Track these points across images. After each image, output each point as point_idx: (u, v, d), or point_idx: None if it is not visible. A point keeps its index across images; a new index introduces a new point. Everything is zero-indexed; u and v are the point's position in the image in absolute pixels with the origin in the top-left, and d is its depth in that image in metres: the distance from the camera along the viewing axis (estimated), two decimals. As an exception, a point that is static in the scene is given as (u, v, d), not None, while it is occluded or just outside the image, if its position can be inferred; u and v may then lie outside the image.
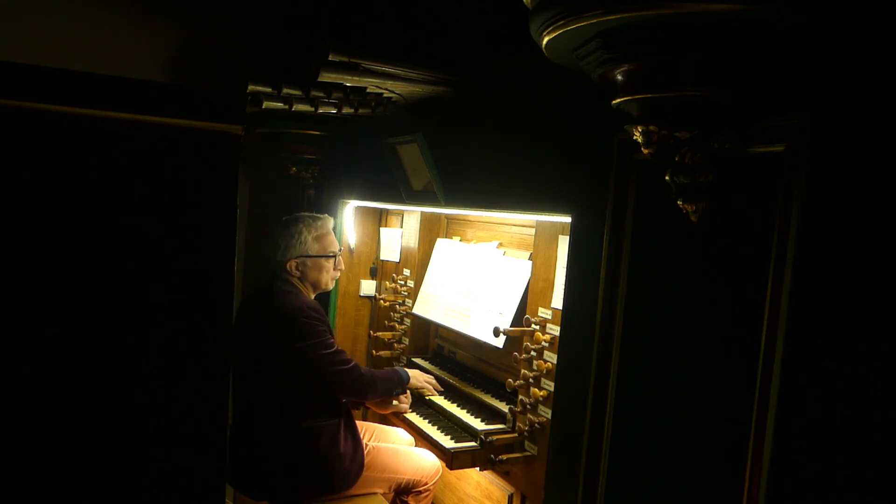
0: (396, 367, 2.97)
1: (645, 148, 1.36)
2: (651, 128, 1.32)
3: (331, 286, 2.88)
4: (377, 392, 2.75)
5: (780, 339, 1.33)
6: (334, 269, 2.84)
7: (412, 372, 2.94)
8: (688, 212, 1.41)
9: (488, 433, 2.50)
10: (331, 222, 2.86)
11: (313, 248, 2.75)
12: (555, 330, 2.42)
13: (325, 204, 3.65)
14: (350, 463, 2.65)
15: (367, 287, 3.72)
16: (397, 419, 2.90)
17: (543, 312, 2.49)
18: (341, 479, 2.64)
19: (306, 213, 2.84)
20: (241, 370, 2.73)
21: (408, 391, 2.87)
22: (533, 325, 2.52)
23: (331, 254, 2.80)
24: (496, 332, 2.57)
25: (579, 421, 1.83)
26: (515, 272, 2.73)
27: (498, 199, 2.38)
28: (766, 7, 1.10)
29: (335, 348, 2.64)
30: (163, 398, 1.59)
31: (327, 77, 2.18)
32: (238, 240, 1.65)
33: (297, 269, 2.74)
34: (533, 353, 2.48)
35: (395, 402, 2.84)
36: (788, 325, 1.32)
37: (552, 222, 2.46)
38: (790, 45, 1.22)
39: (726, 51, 1.19)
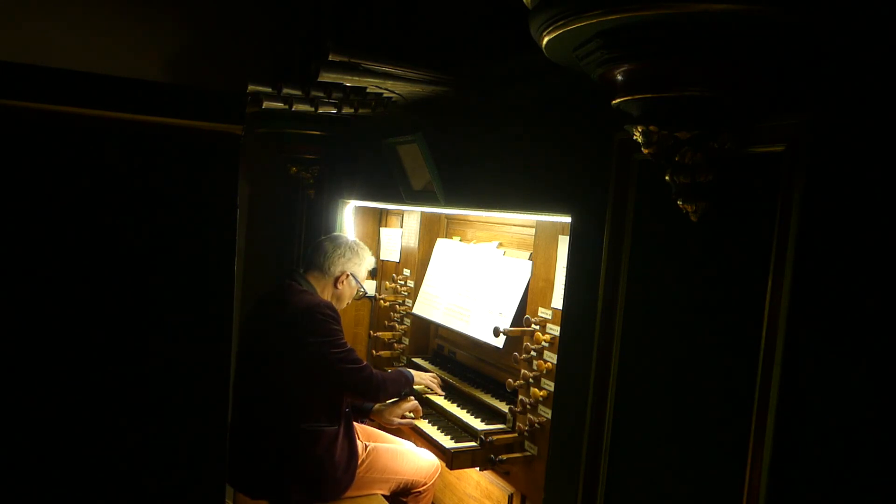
0: (400, 368, 2.99)
1: (645, 148, 1.36)
2: (651, 128, 1.32)
3: (343, 307, 3.02)
4: (388, 393, 2.79)
5: (780, 339, 1.33)
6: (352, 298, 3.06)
7: (415, 371, 2.97)
8: (688, 212, 1.41)
9: (488, 433, 2.50)
10: None
11: (361, 274, 3.00)
12: (555, 330, 2.42)
13: (325, 204, 3.65)
14: (343, 472, 2.66)
15: (368, 287, 3.72)
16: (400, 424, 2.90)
17: (543, 312, 2.49)
18: (332, 487, 2.65)
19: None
20: (247, 367, 2.76)
21: (416, 405, 2.90)
22: (533, 325, 2.51)
23: (361, 285, 3.06)
24: (496, 332, 2.57)
25: (579, 421, 1.83)
26: (515, 272, 2.73)
27: (498, 199, 2.38)
28: (766, 7, 1.10)
29: (347, 348, 2.66)
30: (163, 398, 1.59)
31: (327, 77, 2.18)
32: (238, 240, 1.64)
33: (341, 282, 2.93)
34: (533, 353, 2.48)
35: (403, 418, 2.86)
36: (788, 325, 1.32)
37: (552, 222, 2.46)
38: (790, 45, 1.22)
39: (726, 51, 1.19)
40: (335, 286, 2.90)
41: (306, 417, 2.61)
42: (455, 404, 2.84)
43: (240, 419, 2.73)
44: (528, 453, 2.48)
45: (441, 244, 3.29)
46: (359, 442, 2.78)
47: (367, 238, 3.72)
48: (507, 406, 2.59)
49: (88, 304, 1.51)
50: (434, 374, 3.04)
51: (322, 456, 2.60)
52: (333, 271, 2.88)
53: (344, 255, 2.90)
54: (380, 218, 3.79)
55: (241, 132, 1.59)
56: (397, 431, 3.03)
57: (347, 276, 2.92)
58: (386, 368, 3.24)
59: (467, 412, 2.74)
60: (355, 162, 3.49)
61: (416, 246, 3.41)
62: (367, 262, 3.01)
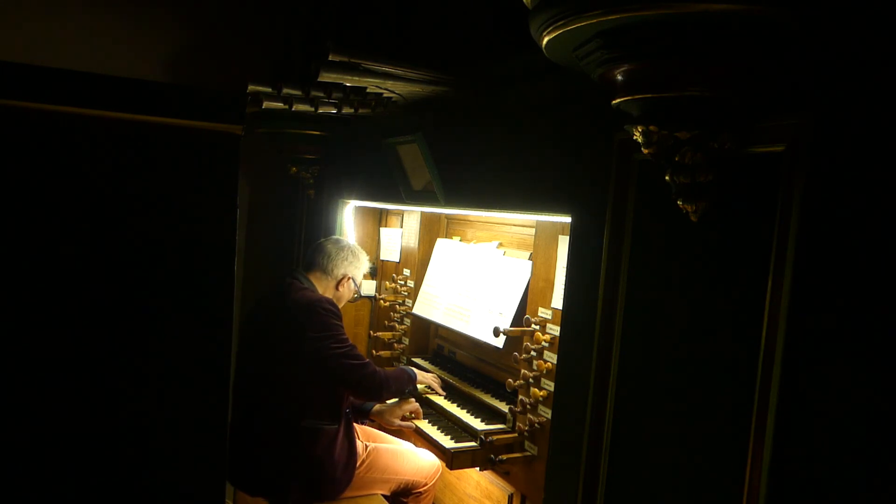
0: (402, 366, 2.99)
1: (645, 148, 1.36)
2: (651, 128, 1.32)
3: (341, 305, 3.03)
4: (391, 391, 2.78)
5: (780, 339, 1.33)
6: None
7: (416, 370, 2.97)
8: (688, 212, 1.41)
9: (488, 433, 2.50)
10: None
11: (359, 278, 3.06)
12: (555, 330, 2.42)
13: (325, 204, 3.65)
14: (342, 472, 2.66)
15: (367, 287, 3.72)
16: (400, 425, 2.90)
17: (543, 312, 2.49)
18: (330, 486, 2.65)
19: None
20: (247, 365, 2.76)
21: (417, 406, 2.91)
22: (533, 325, 2.51)
23: (359, 288, 3.12)
24: (496, 332, 2.57)
25: (579, 421, 1.83)
26: (515, 272, 2.73)
27: (498, 199, 2.38)
28: (766, 7, 1.10)
29: (349, 344, 2.66)
30: (163, 398, 1.59)
31: (327, 77, 2.18)
32: (238, 240, 1.65)
33: (342, 284, 2.98)
34: (533, 353, 2.48)
35: (404, 419, 2.87)
36: (788, 325, 1.32)
37: (552, 222, 2.46)
38: (790, 45, 1.22)
39: (726, 51, 1.19)
40: (336, 288, 2.93)
41: (306, 415, 2.61)
42: (455, 404, 2.84)
43: (240, 417, 2.73)
44: (528, 453, 2.48)
45: (441, 244, 3.29)
46: (359, 442, 2.78)
47: (367, 238, 3.73)
48: (507, 406, 2.59)
49: (88, 304, 1.51)
50: (435, 375, 3.05)
51: (321, 455, 2.60)
52: (336, 273, 2.92)
53: (346, 259, 2.95)
54: (380, 218, 3.79)
55: (241, 132, 1.59)
56: (398, 432, 3.03)
57: (349, 278, 2.96)
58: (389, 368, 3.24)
59: (467, 412, 2.74)
60: (355, 162, 3.49)
61: (416, 246, 3.42)
62: (364, 266, 3.07)
